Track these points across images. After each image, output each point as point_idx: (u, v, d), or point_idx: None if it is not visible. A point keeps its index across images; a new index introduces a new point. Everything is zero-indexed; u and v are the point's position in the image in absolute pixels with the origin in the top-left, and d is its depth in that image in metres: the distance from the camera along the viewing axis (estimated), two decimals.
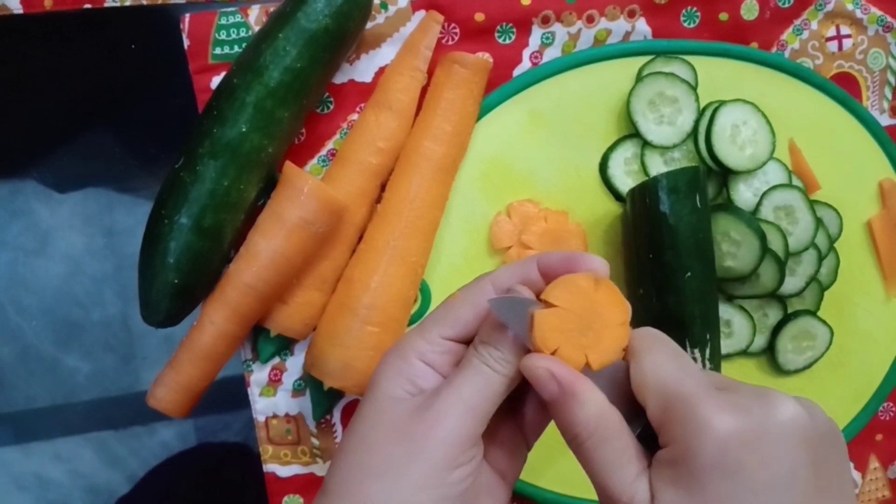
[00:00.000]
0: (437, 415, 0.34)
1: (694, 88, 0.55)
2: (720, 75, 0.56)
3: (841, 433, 0.33)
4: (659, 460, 0.32)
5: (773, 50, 0.58)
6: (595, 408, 0.33)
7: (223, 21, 0.50)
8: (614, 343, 0.35)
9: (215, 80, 0.50)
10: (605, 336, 0.35)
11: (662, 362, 0.34)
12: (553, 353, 0.34)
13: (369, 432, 0.35)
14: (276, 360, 0.53)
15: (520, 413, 0.39)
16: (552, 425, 0.39)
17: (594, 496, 0.57)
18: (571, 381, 0.33)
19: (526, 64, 0.54)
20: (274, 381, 0.53)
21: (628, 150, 0.55)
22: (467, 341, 0.37)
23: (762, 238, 0.51)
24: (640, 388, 0.34)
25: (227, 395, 0.54)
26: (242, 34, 0.50)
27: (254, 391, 0.53)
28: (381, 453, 0.34)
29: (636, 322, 0.52)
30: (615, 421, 0.33)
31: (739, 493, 0.29)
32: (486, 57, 0.53)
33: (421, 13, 0.52)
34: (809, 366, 0.58)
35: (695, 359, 0.50)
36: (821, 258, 0.56)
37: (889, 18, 0.59)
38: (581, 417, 0.33)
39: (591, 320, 0.34)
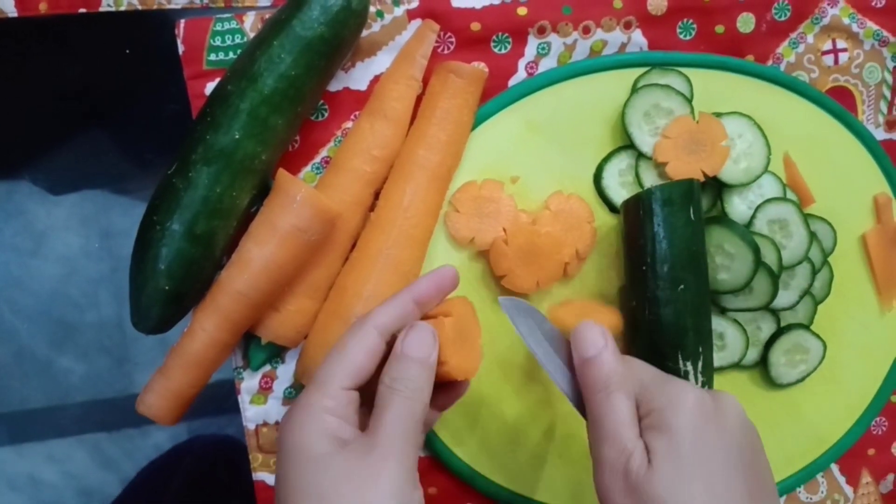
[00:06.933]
0: (379, 457, 0.37)
1: (689, 101, 0.54)
2: (716, 88, 0.56)
3: None
4: (648, 427, 0.41)
5: (769, 63, 0.58)
6: (617, 356, 0.44)
7: (218, 27, 0.50)
8: (469, 362, 0.43)
9: (209, 87, 0.50)
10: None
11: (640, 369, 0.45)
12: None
13: (312, 491, 0.36)
14: (267, 367, 0.53)
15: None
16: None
17: None
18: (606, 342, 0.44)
19: (521, 74, 0.54)
20: (264, 389, 0.53)
21: (623, 162, 0.55)
22: (362, 387, 0.40)
23: (756, 251, 0.51)
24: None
25: (220, 398, 0.54)
26: (237, 40, 0.50)
27: (244, 399, 0.53)
28: None
29: (630, 334, 0.53)
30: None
31: (709, 440, 0.40)
32: (481, 66, 0.53)
33: (417, 22, 0.52)
34: (802, 379, 0.58)
35: (687, 371, 0.50)
36: (814, 272, 0.56)
37: (885, 33, 0.59)
38: (614, 365, 0.43)
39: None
